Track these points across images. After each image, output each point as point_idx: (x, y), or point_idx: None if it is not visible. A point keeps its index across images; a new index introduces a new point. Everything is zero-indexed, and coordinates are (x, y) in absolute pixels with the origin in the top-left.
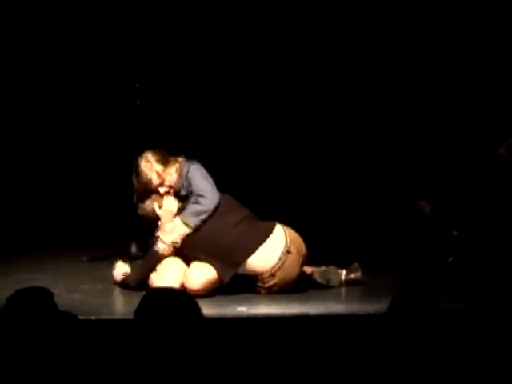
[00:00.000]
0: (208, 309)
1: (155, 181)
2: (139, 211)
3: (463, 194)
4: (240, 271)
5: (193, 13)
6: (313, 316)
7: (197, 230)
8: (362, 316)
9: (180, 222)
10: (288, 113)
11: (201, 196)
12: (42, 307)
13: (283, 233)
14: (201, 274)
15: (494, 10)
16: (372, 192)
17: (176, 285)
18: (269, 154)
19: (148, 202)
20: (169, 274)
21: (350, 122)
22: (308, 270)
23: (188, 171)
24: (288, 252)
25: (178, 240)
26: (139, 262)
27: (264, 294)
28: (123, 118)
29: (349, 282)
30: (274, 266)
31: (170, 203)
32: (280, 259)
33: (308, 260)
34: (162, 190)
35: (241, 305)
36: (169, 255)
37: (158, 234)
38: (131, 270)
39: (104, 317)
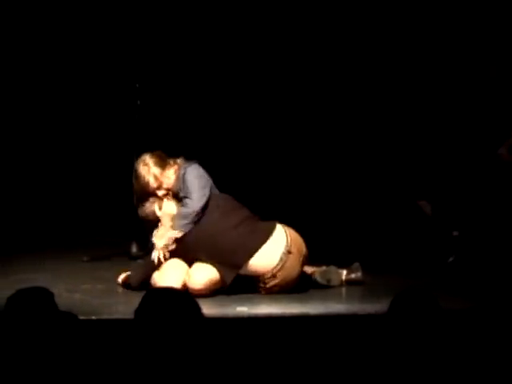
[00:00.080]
0: (208, 309)
1: (152, 184)
2: (139, 213)
3: (464, 194)
4: (241, 272)
5: (193, 13)
6: (313, 316)
7: (197, 232)
8: (362, 316)
9: (168, 226)
10: (288, 113)
11: (187, 198)
12: (43, 307)
13: (284, 233)
14: (203, 274)
15: (494, 10)
16: (372, 192)
17: (178, 285)
18: (269, 154)
19: (147, 205)
20: (171, 274)
21: (351, 122)
22: (308, 269)
23: (184, 173)
24: (289, 252)
25: (169, 243)
26: (140, 262)
27: (265, 294)
28: (123, 118)
29: (349, 282)
30: (275, 266)
31: (169, 205)
32: (281, 259)
33: (308, 260)
34: (160, 192)
35: (241, 305)
36: (167, 258)
37: (153, 238)
38: (132, 270)
39: (104, 317)
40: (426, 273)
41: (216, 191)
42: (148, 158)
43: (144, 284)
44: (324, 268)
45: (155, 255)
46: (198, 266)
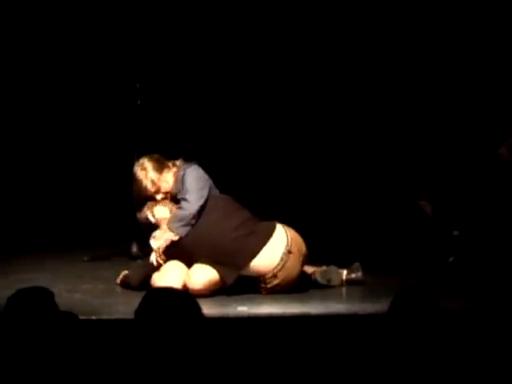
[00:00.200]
0: (209, 308)
1: (150, 189)
2: (137, 217)
3: (464, 194)
4: (243, 273)
5: (193, 13)
6: (314, 316)
7: (197, 234)
8: (362, 316)
9: (166, 228)
10: (288, 113)
11: (184, 200)
12: (43, 307)
13: (284, 233)
14: (203, 275)
15: (494, 10)
16: (373, 192)
17: (178, 285)
18: (269, 154)
19: (145, 209)
20: (170, 275)
21: (351, 122)
22: (309, 269)
23: (184, 174)
24: (289, 252)
25: (165, 245)
26: (140, 262)
27: (265, 294)
28: (124, 118)
29: (350, 282)
30: (276, 266)
31: (162, 211)
32: (282, 259)
33: (308, 259)
34: (158, 196)
35: (242, 304)
36: (165, 260)
37: (150, 241)
38: (132, 270)
39: (104, 317)
40: (426, 273)
41: (216, 191)
42: (146, 162)
43: (144, 284)
44: (324, 268)
45: (153, 258)
46: (197, 266)
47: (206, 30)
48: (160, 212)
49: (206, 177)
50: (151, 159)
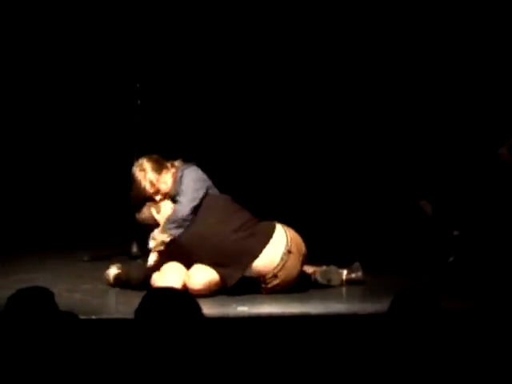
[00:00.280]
0: (209, 308)
1: (149, 190)
2: (136, 218)
3: (464, 194)
4: (243, 274)
5: (193, 13)
6: (314, 316)
7: (197, 236)
8: (362, 316)
9: (161, 229)
10: (288, 113)
11: (178, 202)
12: (43, 307)
13: (284, 233)
14: (203, 275)
15: (494, 10)
16: (373, 192)
17: (178, 285)
18: (269, 153)
19: (144, 209)
20: (171, 275)
21: (351, 122)
22: (309, 269)
23: (182, 175)
24: (289, 252)
25: (157, 245)
26: (140, 261)
27: (266, 294)
28: (124, 118)
29: (350, 282)
30: (276, 266)
31: (168, 208)
32: (282, 259)
33: (308, 259)
34: (157, 197)
35: (242, 304)
36: (165, 261)
37: (149, 241)
38: (133, 268)
39: (105, 316)
40: (426, 272)
41: (215, 191)
42: (145, 163)
43: (143, 284)
44: (324, 268)
45: (151, 259)
46: (197, 267)
47: (205, 30)
48: (166, 209)
49: (205, 177)
50: (150, 160)
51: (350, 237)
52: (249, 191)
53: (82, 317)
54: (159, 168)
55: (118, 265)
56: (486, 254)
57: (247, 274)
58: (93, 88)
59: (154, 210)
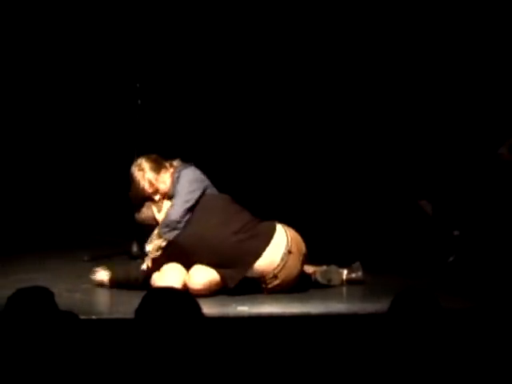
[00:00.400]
0: (209, 308)
1: (148, 189)
2: (136, 218)
3: (464, 194)
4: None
5: (193, 12)
6: (314, 315)
7: (197, 238)
8: (362, 315)
9: (157, 232)
10: (288, 112)
11: (172, 205)
12: (43, 307)
13: (284, 233)
14: (204, 275)
15: (494, 10)
16: (373, 191)
17: (178, 285)
18: (269, 153)
19: (143, 209)
20: (171, 275)
21: (351, 122)
22: (309, 269)
23: (179, 176)
24: (289, 252)
25: (153, 250)
26: (141, 261)
27: (266, 294)
28: (124, 118)
29: (350, 282)
30: (277, 267)
31: (166, 208)
32: (282, 260)
33: (308, 258)
34: (156, 197)
35: (242, 304)
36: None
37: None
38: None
39: (105, 316)
40: (426, 272)
41: (214, 191)
42: (143, 163)
43: (143, 284)
44: (325, 268)
45: (146, 265)
46: (198, 267)
47: (205, 30)
48: (166, 208)
49: (202, 177)
50: (149, 159)
51: (350, 237)
52: (249, 191)
53: (81, 317)
54: (158, 168)
55: (104, 267)
56: (486, 254)
57: (248, 274)
58: (93, 88)
59: (155, 209)
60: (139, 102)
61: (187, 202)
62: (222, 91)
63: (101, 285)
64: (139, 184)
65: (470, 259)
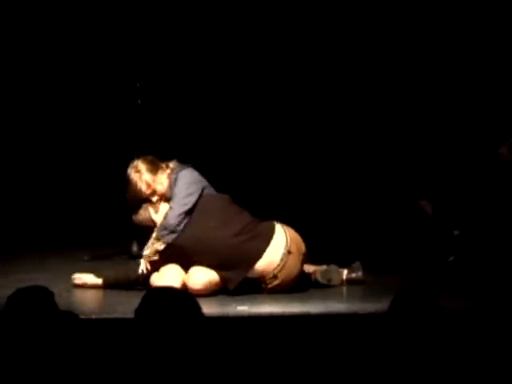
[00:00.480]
0: (209, 308)
1: (145, 191)
2: (133, 220)
3: (464, 194)
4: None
5: (193, 12)
6: (314, 315)
7: (196, 240)
8: (362, 315)
9: (155, 235)
10: (289, 112)
11: (170, 208)
12: (43, 306)
13: (283, 233)
14: (203, 275)
15: (494, 10)
16: (373, 191)
17: (177, 285)
18: (270, 153)
19: (141, 211)
20: (170, 275)
21: (351, 122)
22: (309, 269)
23: (176, 178)
24: (289, 252)
25: (152, 255)
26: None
27: (266, 294)
28: (124, 118)
29: (350, 281)
30: (276, 267)
31: (164, 209)
32: (282, 260)
33: (308, 258)
34: (153, 198)
35: (242, 304)
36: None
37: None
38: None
39: (104, 316)
40: (426, 272)
41: (212, 191)
42: (140, 164)
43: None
44: (325, 267)
45: (142, 266)
46: (198, 267)
47: (205, 29)
48: (163, 210)
49: (200, 178)
50: (145, 161)
51: (350, 236)
52: (249, 191)
53: (81, 316)
54: (154, 169)
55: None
56: (486, 254)
57: (248, 275)
58: (93, 88)
59: (152, 211)
60: (139, 101)
61: (185, 204)
62: (221, 91)
63: (82, 286)
64: (136, 186)
65: (469, 259)
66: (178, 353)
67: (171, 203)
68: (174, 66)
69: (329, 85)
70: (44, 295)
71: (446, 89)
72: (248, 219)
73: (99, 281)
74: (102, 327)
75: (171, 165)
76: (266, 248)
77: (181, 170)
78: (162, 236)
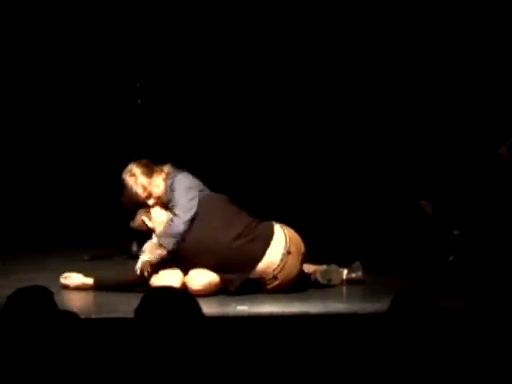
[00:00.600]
0: (209, 308)
1: (141, 194)
2: (131, 225)
3: (464, 194)
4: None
5: (193, 12)
6: (313, 315)
7: (196, 243)
8: (362, 315)
9: (157, 242)
10: (289, 112)
11: (175, 215)
12: (42, 306)
13: (282, 233)
14: (203, 276)
15: (494, 10)
16: (373, 191)
17: (177, 285)
18: (270, 153)
19: (137, 217)
20: (170, 275)
21: (351, 121)
22: (309, 269)
23: (172, 183)
24: (288, 253)
25: (154, 261)
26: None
27: (266, 294)
28: (124, 118)
29: (350, 281)
30: (276, 268)
31: (159, 213)
32: (281, 260)
33: (307, 257)
34: (150, 202)
35: (242, 304)
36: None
37: (140, 254)
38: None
39: (104, 315)
40: (426, 272)
41: (208, 192)
42: (134, 168)
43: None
44: (325, 267)
45: (138, 267)
46: (198, 269)
47: (205, 29)
48: (158, 215)
49: (196, 182)
50: (139, 164)
51: (350, 236)
52: (249, 191)
53: (81, 316)
54: (149, 172)
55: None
56: (486, 254)
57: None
58: (93, 87)
59: (145, 219)
60: (139, 101)
61: (190, 209)
62: (221, 91)
63: (66, 287)
64: (132, 190)
65: (469, 259)
66: (178, 353)
67: (175, 211)
68: (173, 66)
69: (329, 85)
70: (44, 295)
71: (446, 89)
72: (248, 220)
73: (89, 281)
74: (101, 327)
75: (166, 169)
76: (265, 250)
77: (176, 175)
78: (168, 243)
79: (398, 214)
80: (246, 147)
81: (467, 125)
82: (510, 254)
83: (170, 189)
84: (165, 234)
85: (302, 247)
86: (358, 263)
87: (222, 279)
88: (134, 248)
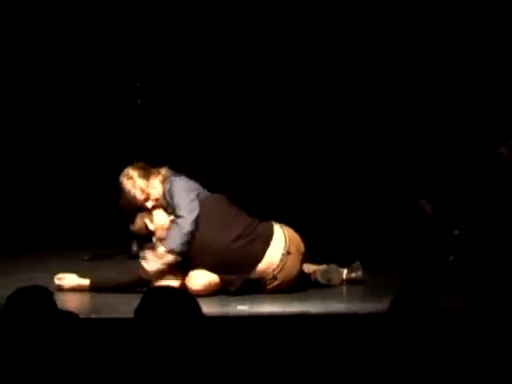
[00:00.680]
0: (209, 307)
1: (140, 197)
2: (130, 229)
3: (464, 193)
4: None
5: (193, 12)
6: (313, 315)
7: (196, 245)
8: (362, 315)
9: (163, 252)
10: (289, 112)
11: (179, 217)
12: (42, 306)
13: (282, 234)
14: (203, 276)
15: (494, 10)
16: (373, 191)
17: (176, 285)
18: (270, 152)
19: (137, 220)
20: (169, 277)
21: (351, 121)
22: (309, 268)
23: (170, 187)
24: (288, 253)
25: (162, 267)
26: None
27: (266, 294)
28: (124, 118)
29: (350, 281)
30: (276, 268)
31: (160, 216)
32: (281, 261)
33: (307, 257)
34: (148, 204)
35: (242, 303)
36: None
37: (142, 262)
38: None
39: (104, 315)
40: (426, 272)
41: (205, 193)
42: (131, 171)
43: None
44: (325, 267)
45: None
46: (198, 270)
47: (205, 29)
48: (159, 218)
49: (194, 184)
50: (136, 168)
51: (350, 236)
52: (249, 191)
53: (81, 316)
54: (146, 174)
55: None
56: (486, 254)
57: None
58: (93, 87)
59: (147, 221)
60: (139, 101)
61: (193, 210)
62: (221, 90)
63: (61, 289)
64: (130, 193)
65: (469, 259)
66: (178, 353)
67: (178, 212)
68: (173, 67)
69: (328, 85)
70: (43, 295)
71: (446, 89)
72: (247, 221)
73: (85, 282)
74: (101, 327)
75: (163, 171)
76: (265, 251)
77: (174, 179)
78: (177, 248)
79: (398, 214)
80: (246, 147)
81: (467, 125)
82: (510, 254)
83: (168, 193)
84: (173, 239)
85: (302, 247)
86: (358, 263)
87: (222, 280)
88: (134, 248)
